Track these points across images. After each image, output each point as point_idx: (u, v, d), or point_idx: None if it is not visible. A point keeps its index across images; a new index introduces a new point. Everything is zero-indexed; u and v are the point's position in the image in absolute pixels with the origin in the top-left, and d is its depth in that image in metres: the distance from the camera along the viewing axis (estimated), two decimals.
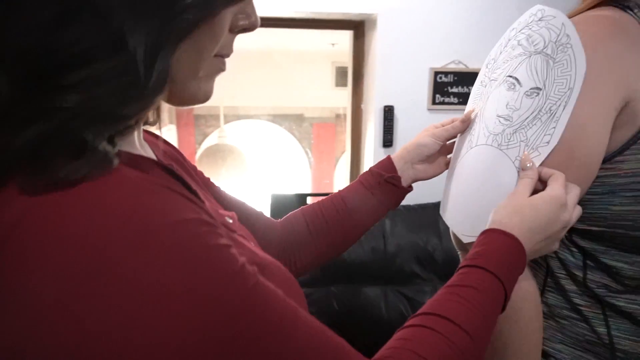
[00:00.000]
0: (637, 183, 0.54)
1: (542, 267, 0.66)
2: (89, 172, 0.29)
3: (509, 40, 0.65)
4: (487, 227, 0.54)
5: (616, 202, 0.56)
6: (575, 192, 0.54)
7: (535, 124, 0.56)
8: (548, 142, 0.55)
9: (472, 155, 0.64)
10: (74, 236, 0.27)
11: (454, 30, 1.91)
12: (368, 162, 2.06)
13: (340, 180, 3.70)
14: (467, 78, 1.94)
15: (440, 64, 1.93)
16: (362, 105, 2.11)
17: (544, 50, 0.58)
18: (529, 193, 0.54)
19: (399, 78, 1.92)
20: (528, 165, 0.56)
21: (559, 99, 0.55)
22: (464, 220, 0.63)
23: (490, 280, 0.48)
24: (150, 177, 0.34)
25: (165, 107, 0.49)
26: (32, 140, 0.28)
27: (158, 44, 0.32)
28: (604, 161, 0.56)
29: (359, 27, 2.05)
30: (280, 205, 1.92)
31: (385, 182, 0.72)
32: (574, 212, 0.54)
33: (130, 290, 0.28)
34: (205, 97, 0.43)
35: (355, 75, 2.11)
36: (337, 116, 4.01)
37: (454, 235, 0.67)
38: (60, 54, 0.29)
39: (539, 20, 0.61)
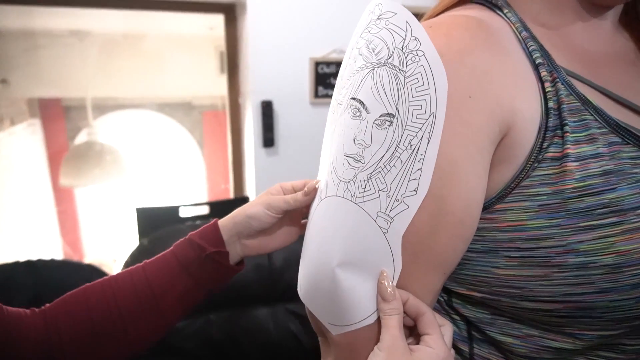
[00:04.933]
0: (523, 240, 0.40)
1: None
2: None
3: (352, 49, 0.47)
4: None
5: (500, 264, 0.42)
6: (449, 334, 0.43)
7: (394, 166, 0.40)
8: (416, 190, 0.40)
9: (320, 212, 0.47)
10: None
11: (333, 16, 1.74)
12: (249, 165, 1.85)
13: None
14: None
15: (320, 53, 1.76)
16: (240, 100, 1.88)
17: (390, 60, 0.41)
18: (403, 342, 0.40)
19: (277, 69, 1.72)
20: (389, 292, 0.41)
21: (420, 128, 0.39)
22: (326, 304, 0.45)
23: None
24: None
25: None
26: None
27: None
28: (483, 209, 0.42)
29: (230, 11, 1.81)
30: (149, 222, 1.65)
31: (208, 259, 0.54)
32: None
33: None
34: None
35: (230, 65, 1.87)
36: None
37: (314, 319, 0.49)
38: None
39: (378, 18, 0.44)
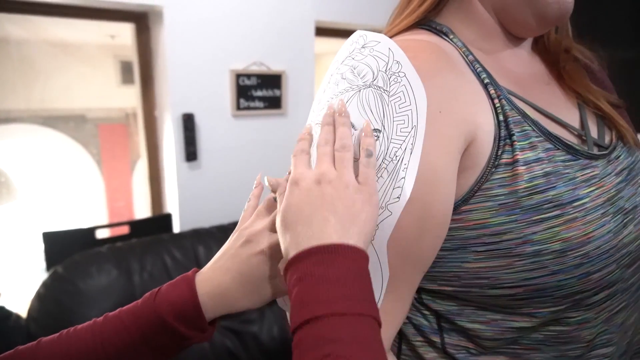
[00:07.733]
0: (488, 236, 0.46)
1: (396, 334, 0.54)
2: None
3: (332, 75, 0.51)
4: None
5: (469, 259, 0.48)
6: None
7: (381, 176, 0.44)
8: (399, 197, 0.43)
9: None
10: None
11: (251, 28, 1.75)
12: (170, 179, 1.77)
13: (139, 193, 3.24)
14: (271, 80, 1.82)
15: (241, 65, 1.75)
16: (156, 112, 1.80)
17: (374, 82, 0.46)
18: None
19: (197, 81, 1.68)
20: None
21: (404, 140, 0.44)
22: None
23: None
24: None
25: None
26: None
27: None
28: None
29: (141, 20, 1.73)
30: (59, 248, 1.50)
31: (189, 343, 0.48)
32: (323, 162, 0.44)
33: None
34: None
35: (143, 77, 1.78)
36: (127, 116, 3.52)
37: None
38: None
39: (362, 47, 0.49)
